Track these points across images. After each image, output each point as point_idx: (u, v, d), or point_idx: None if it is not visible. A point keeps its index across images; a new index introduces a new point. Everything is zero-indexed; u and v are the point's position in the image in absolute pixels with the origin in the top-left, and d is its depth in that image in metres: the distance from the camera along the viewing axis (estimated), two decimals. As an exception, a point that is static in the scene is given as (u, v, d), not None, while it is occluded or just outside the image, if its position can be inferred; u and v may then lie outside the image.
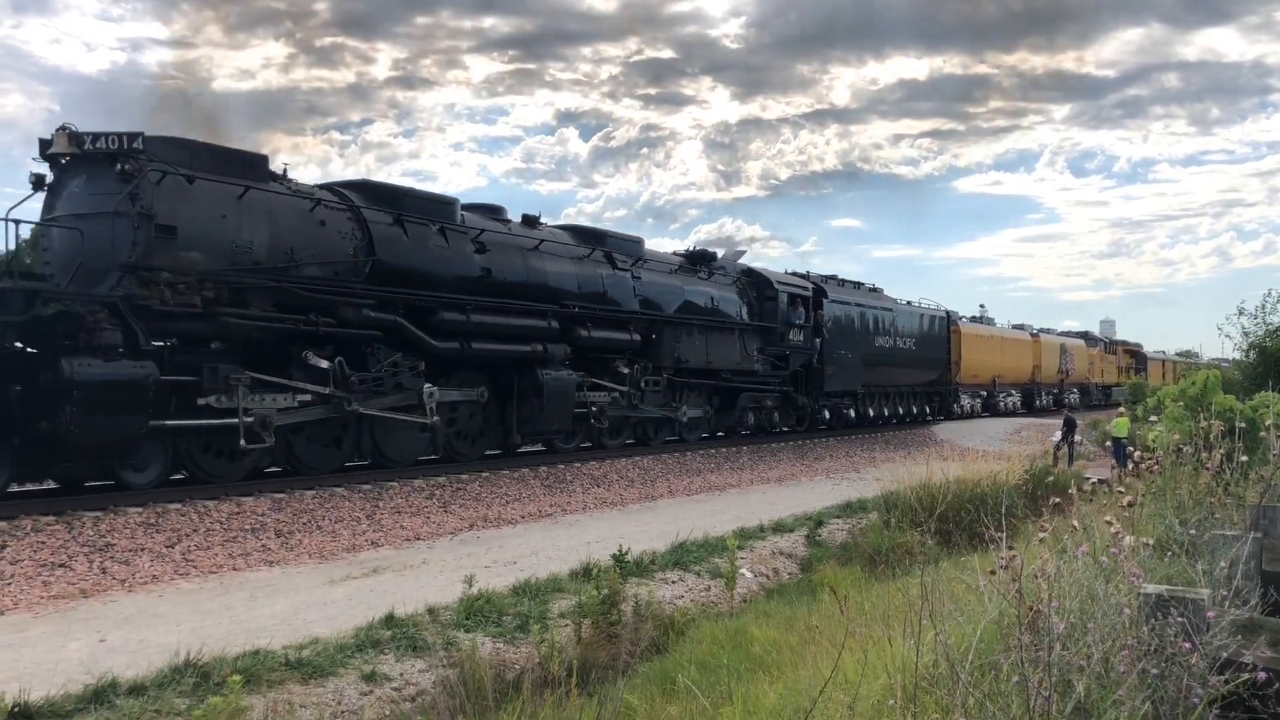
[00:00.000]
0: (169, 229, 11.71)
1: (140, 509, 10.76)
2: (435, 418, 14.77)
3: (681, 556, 10.97)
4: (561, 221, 19.26)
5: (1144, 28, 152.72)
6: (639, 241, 20.58)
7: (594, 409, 18.05)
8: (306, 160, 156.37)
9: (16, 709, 5.43)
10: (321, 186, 14.38)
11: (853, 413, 28.35)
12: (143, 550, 9.94)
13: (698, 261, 22.55)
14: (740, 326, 22.85)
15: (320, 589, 9.26)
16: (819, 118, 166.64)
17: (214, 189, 12.31)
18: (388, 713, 6.76)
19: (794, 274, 27.35)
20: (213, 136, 13.47)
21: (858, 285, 30.89)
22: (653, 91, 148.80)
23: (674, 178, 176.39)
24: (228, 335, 12.46)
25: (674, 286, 20.86)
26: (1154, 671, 3.55)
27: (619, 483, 17.02)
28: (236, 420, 11.99)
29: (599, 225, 19.17)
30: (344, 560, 10.77)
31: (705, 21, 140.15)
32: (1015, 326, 48.16)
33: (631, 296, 19.29)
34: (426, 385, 14.66)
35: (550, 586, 9.22)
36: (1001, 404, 42.20)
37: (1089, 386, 54.11)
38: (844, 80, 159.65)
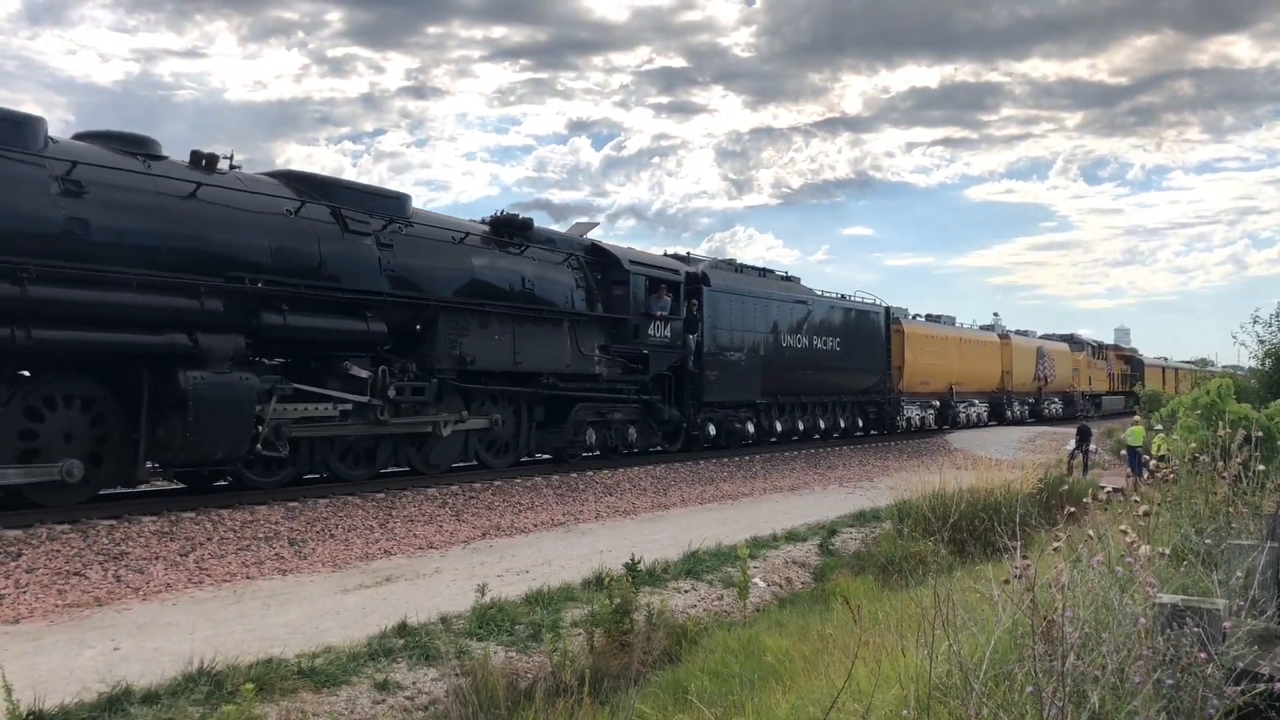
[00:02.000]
0: None
1: (155, 518, 10.80)
2: None
3: (694, 565, 10.96)
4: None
5: (1157, 35, 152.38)
6: (400, 199, 15.20)
7: (265, 428, 12.39)
8: (320, 170, 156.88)
9: (31, 717, 5.45)
10: None
11: (752, 427, 23.25)
12: (157, 558, 9.97)
13: (505, 231, 16.99)
14: (571, 317, 17.49)
15: (333, 597, 9.28)
16: (830, 126, 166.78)
17: None
18: (400, 721, 6.76)
19: (673, 255, 22.57)
20: None
21: (764, 272, 25.51)
22: (664, 100, 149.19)
23: (685, 186, 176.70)
24: None
25: (457, 262, 15.48)
26: (1169, 682, 3.53)
27: (631, 491, 17.01)
28: None
29: (333, 175, 14.55)
30: (357, 569, 10.79)
31: (717, 30, 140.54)
32: (983, 327, 42.49)
33: (375, 271, 13.98)
34: None
35: (563, 595, 9.22)
36: (961, 415, 36.75)
37: (1073, 396, 49.12)
38: (855, 88, 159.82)
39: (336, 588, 9.72)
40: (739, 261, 24.98)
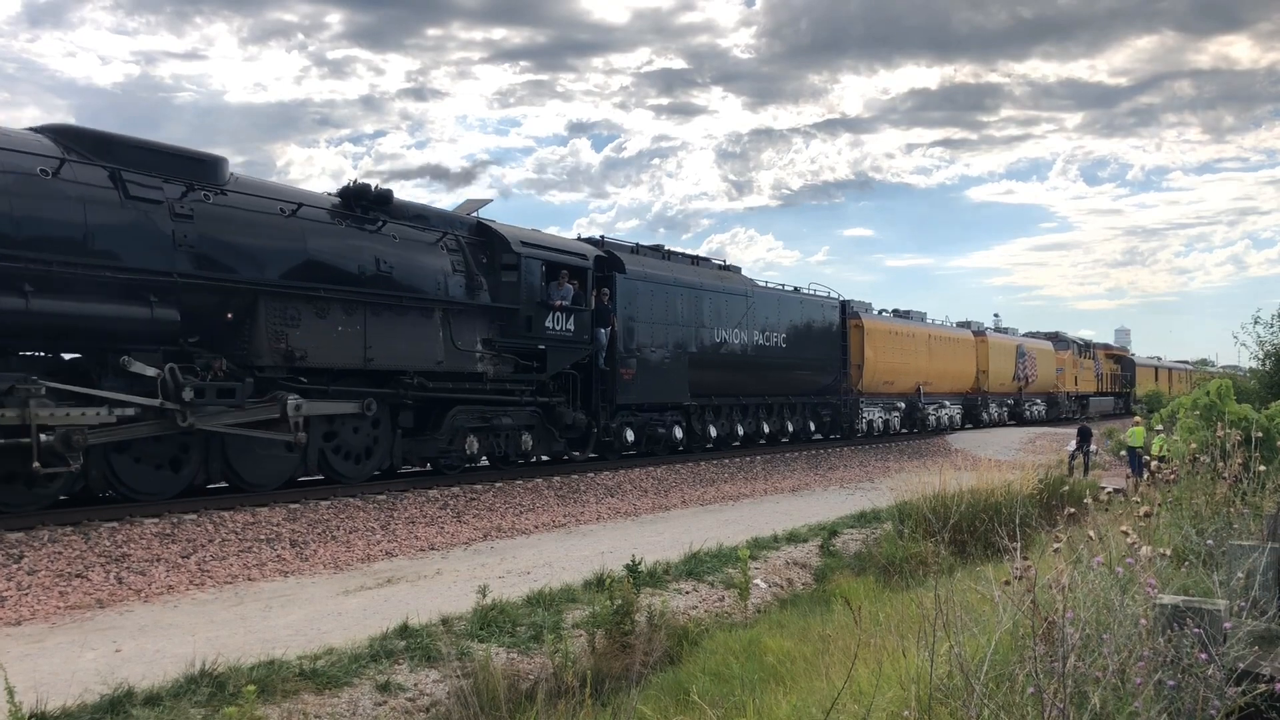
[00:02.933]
0: None
1: (156, 519, 10.81)
2: None
3: (695, 567, 10.97)
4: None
5: (1156, 35, 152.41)
6: (209, 162, 12.47)
7: (50, 436, 10.01)
8: (320, 171, 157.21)
9: (34, 718, 5.46)
10: None
11: (680, 432, 20.83)
12: (158, 560, 9.99)
13: (359, 204, 14.23)
14: (445, 305, 14.96)
15: (335, 599, 9.29)
16: (830, 127, 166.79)
17: None
18: (402, 723, 6.76)
19: (587, 239, 19.84)
20: None
21: (696, 259, 22.69)
22: (664, 102, 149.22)
23: (685, 187, 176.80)
24: None
25: (285, 239, 12.83)
26: (1170, 683, 3.54)
27: (632, 492, 17.02)
28: None
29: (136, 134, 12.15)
30: (358, 570, 10.80)
31: (716, 31, 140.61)
32: (960, 324, 39.32)
33: (168, 247, 11.40)
34: None
35: (564, 596, 9.23)
36: (930, 418, 34.12)
37: (1058, 397, 46.59)
38: (855, 89, 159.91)
39: (338, 589, 9.72)
40: (668, 248, 22.17)
